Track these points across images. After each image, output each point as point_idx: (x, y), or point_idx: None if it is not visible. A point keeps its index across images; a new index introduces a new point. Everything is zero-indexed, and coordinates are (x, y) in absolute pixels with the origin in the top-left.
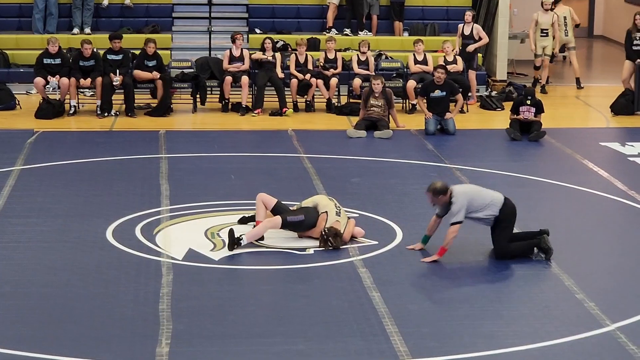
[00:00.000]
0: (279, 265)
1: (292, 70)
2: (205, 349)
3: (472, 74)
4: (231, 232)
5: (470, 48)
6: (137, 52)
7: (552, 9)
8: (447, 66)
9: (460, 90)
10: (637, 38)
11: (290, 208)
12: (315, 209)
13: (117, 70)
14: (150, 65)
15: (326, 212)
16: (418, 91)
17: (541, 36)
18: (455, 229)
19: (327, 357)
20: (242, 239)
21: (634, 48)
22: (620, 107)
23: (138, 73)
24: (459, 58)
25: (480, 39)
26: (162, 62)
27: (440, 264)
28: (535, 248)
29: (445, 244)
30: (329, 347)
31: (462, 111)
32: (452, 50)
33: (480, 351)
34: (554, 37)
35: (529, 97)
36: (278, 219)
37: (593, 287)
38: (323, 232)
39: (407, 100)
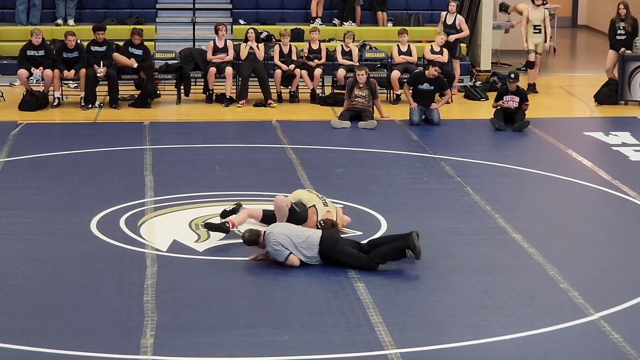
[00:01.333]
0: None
1: (276, 61)
2: (190, 340)
3: (455, 64)
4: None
5: (451, 38)
6: (121, 43)
7: (543, 4)
8: (433, 56)
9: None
10: (621, 28)
11: None
12: (301, 204)
13: (101, 62)
14: (136, 53)
15: (314, 205)
16: (405, 80)
17: (534, 33)
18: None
19: (312, 348)
20: (228, 225)
21: (618, 38)
22: (604, 96)
23: (117, 57)
24: (444, 49)
25: (461, 30)
26: (148, 53)
27: (424, 255)
28: (407, 249)
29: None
30: (313, 338)
31: (446, 102)
32: (441, 43)
33: (465, 341)
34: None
35: (512, 77)
36: (259, 210)
37: (577, 276)
38: (320, 226)
39: (392, 91)
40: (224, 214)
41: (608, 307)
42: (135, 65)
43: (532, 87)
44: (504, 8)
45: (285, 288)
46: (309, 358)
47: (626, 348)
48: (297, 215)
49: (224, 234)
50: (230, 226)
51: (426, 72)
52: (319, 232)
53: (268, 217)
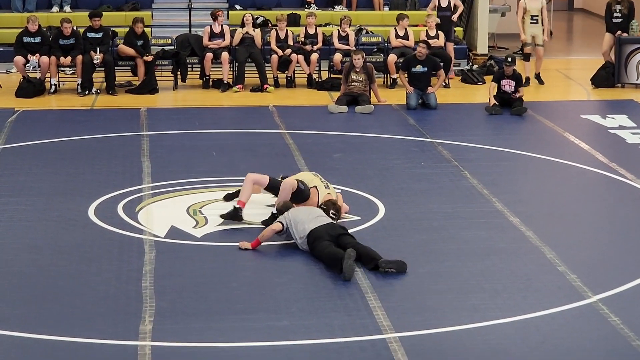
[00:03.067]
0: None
1: (273, 46)
2: (189, 325)
3: (450, 46)
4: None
5: (455, 17)
6: (118, 30)
7: None
8: (429, 41)
9: (442, 64)
10: (617, 10)
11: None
12: (304, 183)
13: (98, 48)
14: (139, 44)
15: (315, 186)
16: (399, 65)
17: (531, 23)
18: (276, 226)
19: (311, 333)
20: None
21: (614, 20)
22: (601, 79)
23: (123, 48)
24: (440, 33)
25: (456, 8)
26: (148, 42)
27: (422, 239)
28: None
29: (261, 236)
30: (312, 323)
31: (446, 85)
32: (434, 25)
33: (463, 324)
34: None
35: (509, 61)
36: (266, 177)
37: (574, 259)
38: (322, 207)
39: (388, 75)
40: (228, 197)
41: (606, 290)
42: (149, 58)
43: (537, 77)
44: None
45: (284, 273)
46: (308, 343)
47: (624, 330)
48: (302, 193)
49: (231, 219)
50: (241, 208)
51: (415, 54)
52: (315, 225)
53: (273, 186)
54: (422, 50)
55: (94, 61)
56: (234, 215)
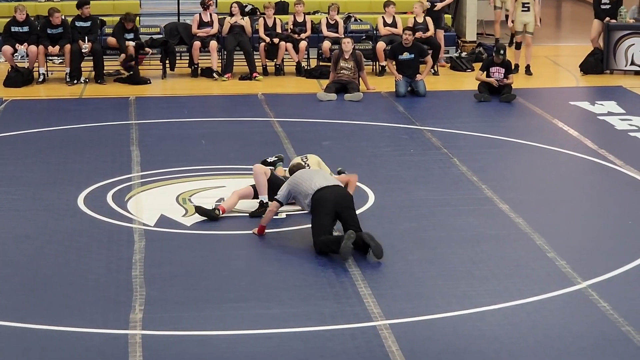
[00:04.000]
0: (252, 229)
1: (261, 34)
2: (179, 314)
3: (440, 34)
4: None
5: (439, 6)
6: (106, 18)
7: None
8: (416, 29)
9: (431, 51)
10: None
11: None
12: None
13: (86, 37)
14: (129, 38)
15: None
16: (387, 54)
17: (522, 11)
18: (273, 206)
19: (301, 321)
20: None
21: (603, 7)
22: (590, 66)
23: (111, 41)
24: (429, 19)
25: None
26: (138, 36)
27: (412, 227)
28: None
29: (262, 220)
30: (302, 311)
31: (435, 73)
32: (422, 12)
33: (453, 311)
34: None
35: (501, 52)
36: (249, 189)
37: (564, 245)
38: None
39: (377, 63)
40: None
41: (595, 276)
42: (133, 48)
43: (526, 69)
44: None
45: (274, 261)
46: (299, 330)
47: (614, 316)
48: (280, 183)
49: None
50: (220, 212)
51: (401, 41)
52: (323, 184)
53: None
54: (408, 37)
55: (83, 50)
56: (209, 214)
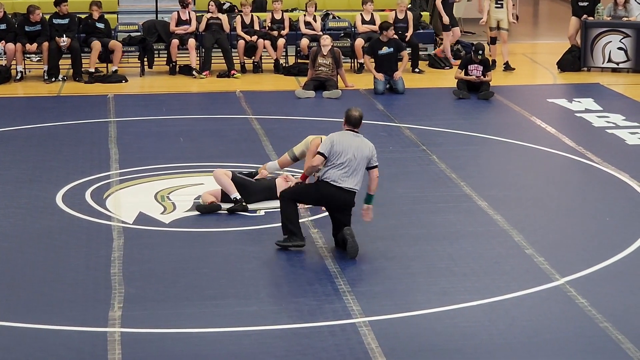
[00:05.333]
0: (230, 227)
1: (239, 31)
2: (158, 312)
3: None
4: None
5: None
6: (84, 16)
7: None
8: (396, 26)
9: (409, 49)
10: None
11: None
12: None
13: (64, 35)
14: (99, 27)
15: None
16: (365, 50)
17: (496, 7)
18: (319, 160)
19: (281, 318)
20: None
21: (580, 4)
22: (567, 63)
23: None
24: (410, 15)
25: None
26: (109, 26)
27: (391, 224)
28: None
29: (306, 171)
30: (281, 308)
31: (419, 71)
32: (405, 8)
33: (432, 308)
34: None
35: (480, 53)
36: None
37: (542, 242)
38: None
39: (356, 60)
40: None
41: (573, 272)
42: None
43: (506, 65)
44: None
45: (253, 259)
46: (278, 328)
47: (592, 312)
48: (242, 181)
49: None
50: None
51: (380, 37)
52: (328, 179)
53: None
54: (391, 33)
55: (61, 45)
56: (212, 209)
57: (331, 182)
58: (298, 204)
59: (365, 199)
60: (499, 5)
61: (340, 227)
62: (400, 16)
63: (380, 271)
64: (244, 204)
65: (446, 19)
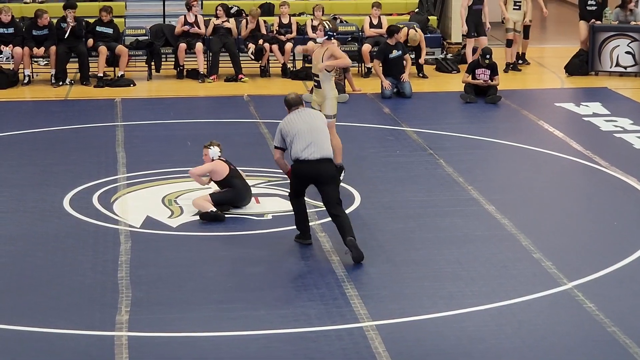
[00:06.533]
0: (238, 231)
1: (243, 33)
2: (165, 315)
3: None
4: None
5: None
6: (91, 20)
7: None
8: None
9: (413, 53)
10: None
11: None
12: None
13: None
14: (106, 32)
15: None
16: (374, 55)
17: (514, 9)
18: (278, 153)
19: (288, 322)
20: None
21: (589, 8)
22: (575, 67)
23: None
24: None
25: None
26: (118, 31)
27: (398, 228)
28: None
29: (282, 169)
30: (289, 312)
31: (423, 76)
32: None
33: (440, 312)
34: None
35: (487, 57)
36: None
37: (550, 246)
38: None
39: (363, 64)
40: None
41: (581, 277)
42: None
43: (513, 65)
44: None
45: (260, 263)
46: (285, 332)
47: (600, 316)
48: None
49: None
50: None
51: (388, 40)
52: (305, 156)
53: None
54: (401, 36)
55: (63, 26)
56: (216, 217)
57: (302, 159)
58: (303, 196)
59: None
60: (517, 7)
61: (330, 202)
62: None
63: (387, 275)
64: (219, 213)
65: (464, 28)
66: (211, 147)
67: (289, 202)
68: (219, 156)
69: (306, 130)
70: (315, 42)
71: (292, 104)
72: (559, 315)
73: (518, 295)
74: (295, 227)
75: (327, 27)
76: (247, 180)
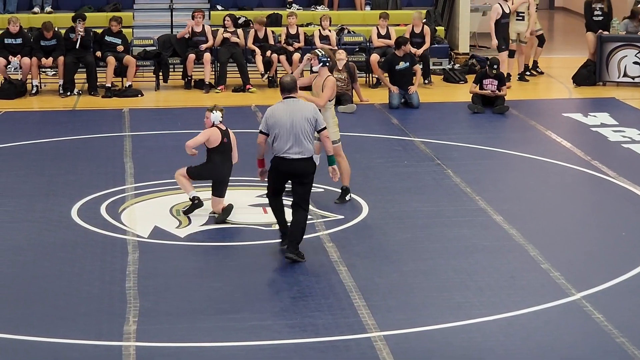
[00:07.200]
0: (245, 241)
1: (250, 44)
2: (173, 326)
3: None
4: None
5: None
6: (99, 31)
7: None
8: (412, 41)
9: (421, 62)
10: (598, 9)
11: None
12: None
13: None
14: (114, 42)
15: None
16: (380, 65)
17: (517, 20)
18: (261, 138)
19: (295, 333)
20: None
21: (595, 19)
22: (582, 78)
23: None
24: (427, 30)
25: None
26: (126, 41)
27: (406, 238)
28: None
29: (258, 155)
30: (296, 322)
31: (429, 82)
32: (421, 22)
33: (448, 322)
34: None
35: (495, 67)
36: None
37: (558, 257)
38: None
39: (371, 74)
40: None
41: (589, 287)
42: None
43: (520, 75)
44: None
45: (267, 273)
46: (292, 342)
47: (608, 327)
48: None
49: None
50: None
51: (396, 51)
52: (276, 154)
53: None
54: (408, 48)
55: (71, 36)
56: (193, 207)
57: (281, 156)
58: (280, 195)
59: (328, 162)
60: (520, 18)
61: (296, 202)
62: (417, 30)
63: (395, 285)
64: (197, 202)
65: (495, 42)
66: (214, 111)
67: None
68: (220, 121)
69: (290, 127)
70: (312, 72)
71: (286, 88)
72: (568, 325)
73: (526, 306)
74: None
75: (319, 54)
76: (234, 160)
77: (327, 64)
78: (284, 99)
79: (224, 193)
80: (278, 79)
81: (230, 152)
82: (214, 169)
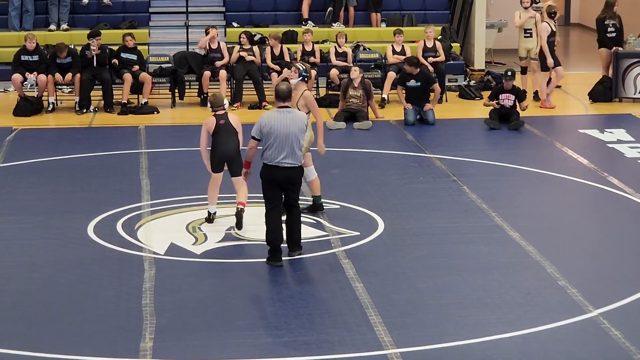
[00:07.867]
0: (261, 258)
1: (269, 62)
2: (189, 342)
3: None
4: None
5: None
6: (115, 48)
7: (536, 2)
8: (425, 55)
9: (437, 79)
10: (611, 25)
11: None
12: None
13: (91, 45)
14: (130, 58)
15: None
16: (397, 81)
17: (525, 37)
18: (252, 143)
19: (311, 349)
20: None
21: (609, 35)
22: (598, 94)
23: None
24: (439, 44)
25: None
26: (142, 57)
27: (422, 254)
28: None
29: (246, 157)
30: (312, 339)
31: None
32: (433, 36)
33: (464, 340)
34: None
35: (509, 75)
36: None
37: (575, 273)
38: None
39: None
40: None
41: (607, 304)
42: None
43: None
44: None
45: (283, 289)
46: (309, 359)
47: (626, 344)
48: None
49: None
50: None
51: (406, 68)
52: (267, 161)
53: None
54: (413, 70)
55: (87, 53)
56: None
57: (271, 164)
58: (279, 206)
59: None
60: (528, 35)
61: (288, 202)
62: (429, 44)
63: (411, 302)
64: (208, 217)
65: (550, 61)
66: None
67: (311, 230)
68: (218, 109)
69: (285, 138)
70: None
71: (281, 97)
72: (585, 343)
73: (543, 323)
74: (309, 254)
75: (301, 68)
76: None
77: (306, 79)
78: (279, 107)
79: (240, 171)
80: None
81: (230, 131)
82: (219, 148)
